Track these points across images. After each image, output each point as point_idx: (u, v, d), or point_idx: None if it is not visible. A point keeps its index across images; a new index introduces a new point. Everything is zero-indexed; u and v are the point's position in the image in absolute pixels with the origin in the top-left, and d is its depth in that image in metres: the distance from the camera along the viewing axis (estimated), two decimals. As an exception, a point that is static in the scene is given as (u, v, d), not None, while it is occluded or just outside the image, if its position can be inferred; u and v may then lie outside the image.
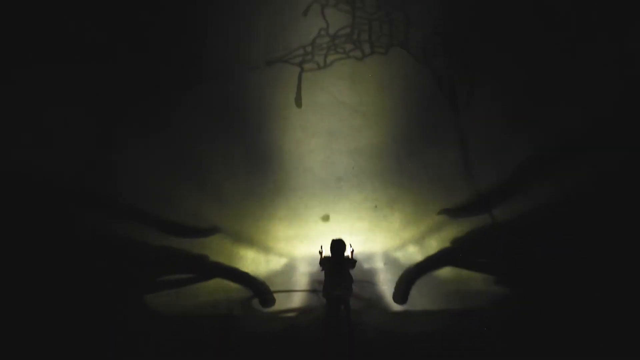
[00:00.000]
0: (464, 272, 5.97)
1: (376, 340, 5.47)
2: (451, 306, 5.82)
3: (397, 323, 5.73)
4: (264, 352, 5.45)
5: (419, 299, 5.90)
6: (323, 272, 5.84)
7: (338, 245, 5.80)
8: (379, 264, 6.53)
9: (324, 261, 5.87)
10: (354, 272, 5.90)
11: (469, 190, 6.27)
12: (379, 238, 6.62)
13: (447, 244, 6.02)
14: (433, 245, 6.19)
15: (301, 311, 6.26)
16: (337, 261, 5.79)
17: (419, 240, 6.46)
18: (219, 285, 6.34)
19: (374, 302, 6.15)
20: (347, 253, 5.79)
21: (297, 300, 6.44)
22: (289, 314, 6.26)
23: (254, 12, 8.67)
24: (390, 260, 6.51)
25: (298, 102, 8.87)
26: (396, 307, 5.98)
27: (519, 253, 5.90)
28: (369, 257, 6.59)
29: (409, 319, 5.80)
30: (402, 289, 6.00)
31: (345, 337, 5.56)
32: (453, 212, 6.12)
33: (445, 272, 5.94)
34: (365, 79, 9.08)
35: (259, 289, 6.37)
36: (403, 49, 10.01)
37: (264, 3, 9.32)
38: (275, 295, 6.40)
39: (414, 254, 6.32)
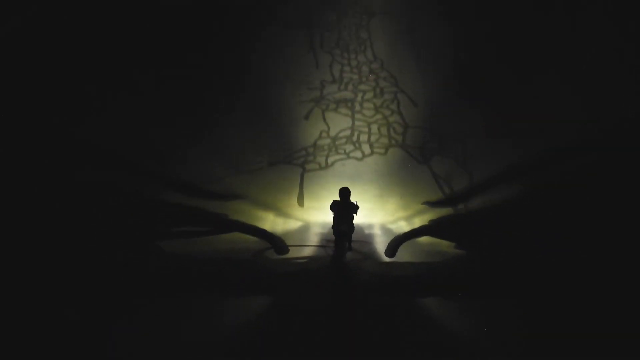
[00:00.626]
0: (436, 240, 8.40)
1: (371, 280, 7.34)
2: (425, 260, 8.07)
3: (386, 269, 7.75)
4: (279, 287, 6.90)
5: (404, 254, 8.03)
6: (333, 216, 7.37)
7: (345, 191, 7.30)
8: (376, 231, 8.63)
9: (333, 205, 7.34)
10: (359, 234, 7.96)
11: (443, 192, 9.14)
12: (378, 215, 8.82)
13: (425, 222, 8.48)
14: (416, 223, 8.57)
15: (311, 259, 7.64)
16: (343, 204, 7.32)
17: (407, 219, 8.81)
18: (239, 237, 7.66)
19: (371, 255, 8.09)
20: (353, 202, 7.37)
21: (308, 252, 7.86)
22: (301, 261, 7.62)
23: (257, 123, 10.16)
24: (385, 230, 8.71)
25: (300, 202, 8.94)
26: (387, 259, 8.05)
27: (473, 230, 8.45)
28: (370, 226, 8.69)
29: (395, 267, 7.87)
30: (392, 248, 8.10)
31: (342, 253, 7.64)
32: (431, 203, 8.90)
33: (423, 239, 8.30)
34: (365, 178, 9.36)
35: (275, 241, 7.62)
36: (402, 150, 10.40)
37: (266, 109, 10.56)
38: (290, 247, 7.73)
39: (402, 227, 8.66)
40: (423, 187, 9.26)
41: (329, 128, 11.35)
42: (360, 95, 11.32)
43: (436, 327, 6.77)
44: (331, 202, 7.44)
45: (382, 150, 10.77)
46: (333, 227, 7.53)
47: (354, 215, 7.52)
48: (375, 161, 10.29)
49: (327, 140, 10.65)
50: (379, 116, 11.77)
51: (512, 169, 8.98)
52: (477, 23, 15.19)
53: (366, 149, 10.85)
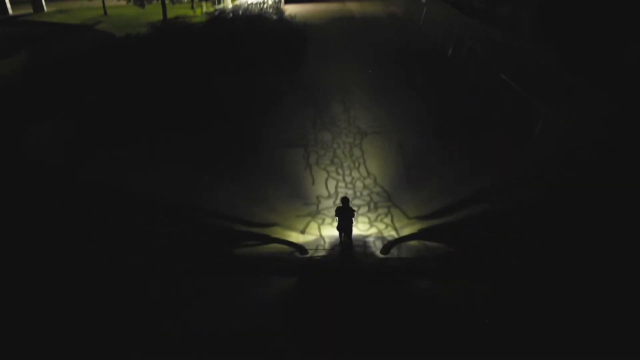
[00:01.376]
0: (421, 242, 11.61)
1: (369, 267, 10.51)
2: (412, 255, 11.05)
3: (381, 261, 10.75)
4: (302, 271, 10.68)
5: (395, 252, 11.10)
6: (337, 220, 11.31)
7: (345, 200, 11.33)
8: (372, 239, 12.20)
9: (337, 210, 11.25)
10: (362, 240, 11.99)
11: (427, 210, 12.81)
12: (374, 228, 12.75)
13: (413, 231, 12.02)
14: (405, 232, 12.21)
15: (321, 257, 11.36)
16: (344, 209, 11.15)
17: (397, 229, 12.53)
18: (277, 246, 11.87)
19: (369, 254, 11.24)
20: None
21: (319, 254, 11.59)
22: (315, 258, 11.32)
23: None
24: (380, 236, 12.31)
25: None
26: (381, 256, 10.99)
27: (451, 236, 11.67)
28: (368, 235, 12.43)
29: (388, 261, 10.75)
30: (386, 248, 11.24)
31: (346, 248, 11.43)
32: (418, 219, 12.52)
33: (412, 242, 11.59)
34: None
35: (298, 247, 11.72)
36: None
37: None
38: (309, 251, 11.65)
39: (394, 235, 12.24)
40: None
41: (325, 242, 11.99)
42: (355, 209, 12.03)
43: (421, 300, 9.33)
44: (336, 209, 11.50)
45: (376, 262, 11.27)
46: (337, 225, 11.42)
47: (352, 216, 11.25)
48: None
49: (323, 253, 11.40)
50: (373, 230, 12.35)
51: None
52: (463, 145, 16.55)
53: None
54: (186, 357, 7.44)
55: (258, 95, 22.36)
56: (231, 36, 34.47)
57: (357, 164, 15.67)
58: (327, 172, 15.28)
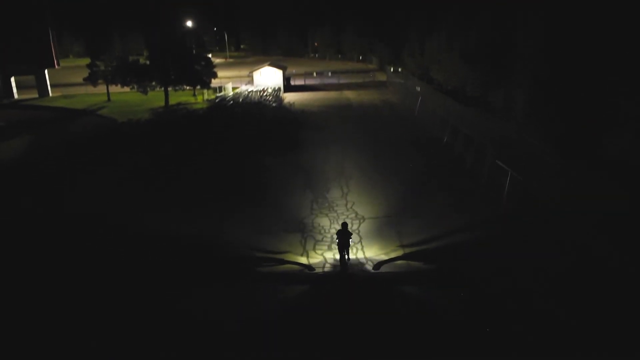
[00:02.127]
0: (405, 261, 14.79)
1: (364, 279, 13.90)
2: (398, 270, 14.32)
3: (374, 275, 14.12)
4: (310, 281, 14.06)
5: (385, 269, 14.42)
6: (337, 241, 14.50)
7: (344, 224, 14.61)
8: (364, 262, 15.16)
9: (338, 232, 14.48)
10: (357, 261, 15.06)
11: (407, 240, 16.14)
12: (366, 254, 15.72)
13: (399, 255, 15.19)
14: (392, 255, 15.25)
15: (324, 272, 14.58)
16: (343, 231, 14.32)
17: (386, 254, 15.44)
18: (289, 266, 14.99)
19: (364, 270, 14.51)
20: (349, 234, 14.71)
21: (324, 269, 14.85)
22: (320, 272, 14.61)
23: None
24: (372, 258, 15.31)
25: None
26: (373, 272, 14.33)
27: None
28: (361, 260, 15.26)
29: (379, 275, 14.11)
30: (377, 266, 14.52)
31: (345, 265, 14.42)
32: (401, 246, 15.70)
33: (398, 262, 14.81)
34: None
35: (307, 266, 14.91)
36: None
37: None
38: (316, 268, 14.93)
39: (383, 257, 15.22)
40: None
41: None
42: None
43: (407, 301, 12.67)
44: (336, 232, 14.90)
45: None
46: (337, 244, 14.51)
47: (350, 238, 14.61)
48: None
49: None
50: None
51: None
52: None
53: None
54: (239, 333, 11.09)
55: (251, 180, 22.32)
56: (231, 121, 35.23)
57: (354, 250, 15.21)
58: (325, 259, 14.87)
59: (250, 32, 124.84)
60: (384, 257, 14.92)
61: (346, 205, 18.92)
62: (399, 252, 15.20)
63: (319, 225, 17.29)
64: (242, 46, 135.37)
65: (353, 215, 17.96)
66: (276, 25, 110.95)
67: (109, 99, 50.22)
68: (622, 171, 20.00)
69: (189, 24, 78.96)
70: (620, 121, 22.01)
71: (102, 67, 47.73)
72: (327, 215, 18.17)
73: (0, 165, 26.85)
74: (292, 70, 65.11)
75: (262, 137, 30.43)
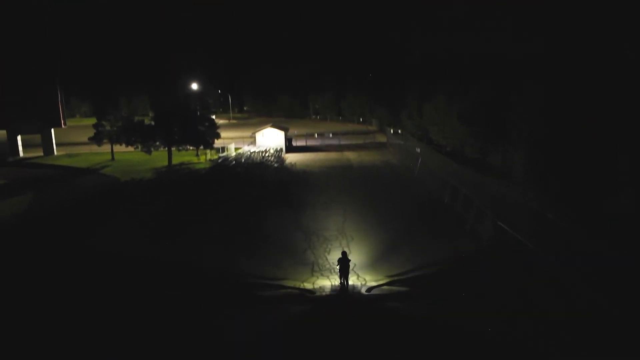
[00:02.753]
0: (388, 286, 17.91)
1: (359, 298, 16.90)
2: (384, 293, 17.34)
3: (367, 295, 17.12)
4: (311, 303, 16.71)
5: (375, 292, 17.36)
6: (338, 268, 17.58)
7: (344, 253, 17.47)
8: (360, 285, 18.15)
9: (339, 260, 17.33)
10: (353, 286, 17.88)
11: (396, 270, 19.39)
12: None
13: (386, 280, 18.41)
14: (382, 282, 18.28)
15: (326, 295, 17.23)
16: (343, 259, 17.23)
17: (375, 281, 18.40)
18: (291, 290, 17.64)
19: (358, 291, 17.39)
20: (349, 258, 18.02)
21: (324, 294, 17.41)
22: (319, 295, 17.25)
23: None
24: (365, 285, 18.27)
25: None
26: (366, 293, 17.27)
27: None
28: (354, 285, 18.04)
29: (371, 295, 17.11)
30: (369, 289, 17.43)
31: (345, 289, 17.36)
32: (389, 276, 18.71)
33: (385, 287, 17.89)
34: None
35: (307, 290, 17.61)
36: None
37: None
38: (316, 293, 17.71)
39: (372, 284, 18.17)
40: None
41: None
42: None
43: (394, 315, 15.42)
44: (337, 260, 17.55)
45: None
46: (339, 269, 17.23)
47: (349, 265, 17.28)
48: None
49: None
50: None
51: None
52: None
53: None
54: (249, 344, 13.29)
55: (253, 242, 22.19)
56: (232, 181, 35.53)
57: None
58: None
59: (253, 94, 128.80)
60: (375, 284, 18.15)
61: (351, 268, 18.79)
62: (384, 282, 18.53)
63: (320, 287, 17.27)
64: (245, 108, 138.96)
65: (354, 277, 17.84)
66: (279, 89, 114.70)
67: (112, 158, 50.98)
68: (621, 229, 20.01)
69: (194, 86, 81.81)
70: (618, 180, 22.27)
71: (108, 127, 48.84)
72: (328, 277, 18.07)
73: (1, 224, 26.85)
74: (294, 131, 66.46)
75: (263, 198, 30.59)
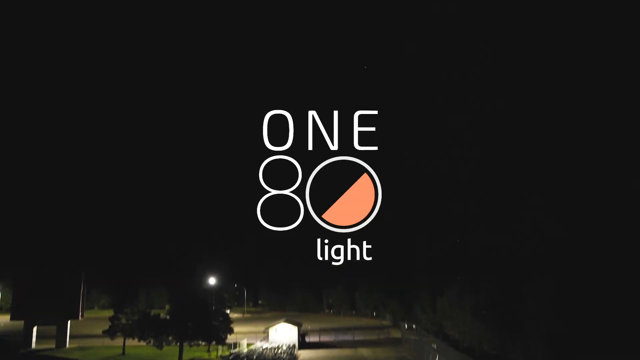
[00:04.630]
0: None
1: None
2: None
3: None
4: None
5: None
6: None
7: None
8: None
9: None
10: None
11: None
12: None
13: None
14: None
15: None
16: None
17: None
18: None
19: None
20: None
21: None
22: None
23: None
24: None
25: None
26: None
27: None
28: None
29: None
30: None
31: None
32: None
33: None
34: None
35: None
36: None
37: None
38: None
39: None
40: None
41: None
42: None
43: None
44: None
45: None
46: None
47: None
48: None
49: None
50: None
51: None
52: None
53: None
54: None
55: None
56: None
57: None
58: None
59: (268, 287, 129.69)
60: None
61: None
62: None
63: None
64: (259, 301, 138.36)
65: None
66: (293, 284, 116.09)
67: (123, 352, 50.13)
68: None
69: (212, 280, 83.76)
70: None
71: (123, 321, 49.28)
72: None
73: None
74: (307, 326, 65.65)
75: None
